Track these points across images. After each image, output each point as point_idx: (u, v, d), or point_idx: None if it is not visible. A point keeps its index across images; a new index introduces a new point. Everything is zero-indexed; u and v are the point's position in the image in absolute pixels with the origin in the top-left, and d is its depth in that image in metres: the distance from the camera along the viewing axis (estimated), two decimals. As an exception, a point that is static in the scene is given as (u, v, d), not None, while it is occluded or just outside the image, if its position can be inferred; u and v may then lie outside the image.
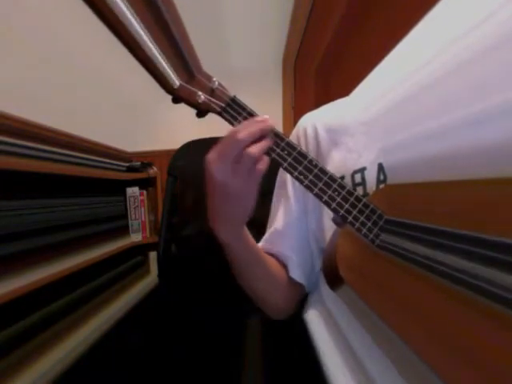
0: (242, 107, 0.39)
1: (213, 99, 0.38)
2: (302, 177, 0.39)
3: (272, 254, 0.56)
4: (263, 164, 0.39)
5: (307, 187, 0.39)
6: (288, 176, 0.57)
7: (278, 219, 0.56)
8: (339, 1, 1.11)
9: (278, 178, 0.60)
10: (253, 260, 0.50)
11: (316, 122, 0.55)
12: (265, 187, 0.61)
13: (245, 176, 0.38)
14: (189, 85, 0.37)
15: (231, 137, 0.37)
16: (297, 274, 0.54)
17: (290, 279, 0.54)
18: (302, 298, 0.58)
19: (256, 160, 0.38)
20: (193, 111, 0.40)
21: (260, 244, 0.57)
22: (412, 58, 0.44)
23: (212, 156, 0.38)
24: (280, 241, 0.55)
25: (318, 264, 0.57)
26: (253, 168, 0.38)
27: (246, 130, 0.37)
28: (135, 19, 0.31)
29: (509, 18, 0.29)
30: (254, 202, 0.41)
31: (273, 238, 0.57)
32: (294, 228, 0.55)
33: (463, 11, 0.35)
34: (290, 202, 0.56)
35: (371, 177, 0.47)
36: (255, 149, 0.38)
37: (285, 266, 0.55)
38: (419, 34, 0.42)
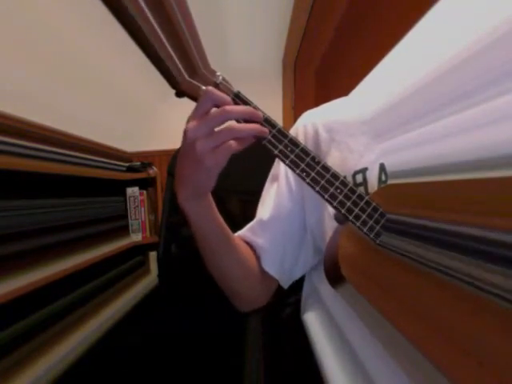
0: (246, 103, 0.39)
1: None
2: (304, 174, 0.38)
3: (247, 243, 0.55)
4: (239, 144, 0.38)
5: (309, 185, 0.38)
6: (282, 172, 0.56)
7: (266, 211, 0.55)
8: (339, 1, 1.11)
9: (271, 173, 0.59)
10: (216, 235, 0.48)
11: (316, 121, 0.55)
12: (257, 186, 0.61)
13: (216, 144, 0.37)
14: (193, 79, 0.37)
15: (222, 108, 0.37)
16: (270, 266, 0.53)
17: (263, 271, 0.53)
18: (273, 293, 0.57)
19: (234, 135, 0.37)
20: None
21: (241, 231, 0.57)
22: (412, 57, 0.44)
23: (194, 114, 0.38)
24: (261, 232, 0.55)
25: (314, 262, 0.57)
26: (228, 142, 0.37)
27: (239, 107, 0.38)
28: (142, 10, 0.31)
29: (506, 18, 0.29)
30: (216, 175, 0.40)
31: (255, 228, 0.56)
32: (279, 222, 0.54)
33: (462, 12, 0.35)
34: (282, 197, 0.55)
35: (373, 177, 0.46)
36: (241, 126, 0.38)
37: (258, 257, 0.54)
38: (419, 33, 0.42)
